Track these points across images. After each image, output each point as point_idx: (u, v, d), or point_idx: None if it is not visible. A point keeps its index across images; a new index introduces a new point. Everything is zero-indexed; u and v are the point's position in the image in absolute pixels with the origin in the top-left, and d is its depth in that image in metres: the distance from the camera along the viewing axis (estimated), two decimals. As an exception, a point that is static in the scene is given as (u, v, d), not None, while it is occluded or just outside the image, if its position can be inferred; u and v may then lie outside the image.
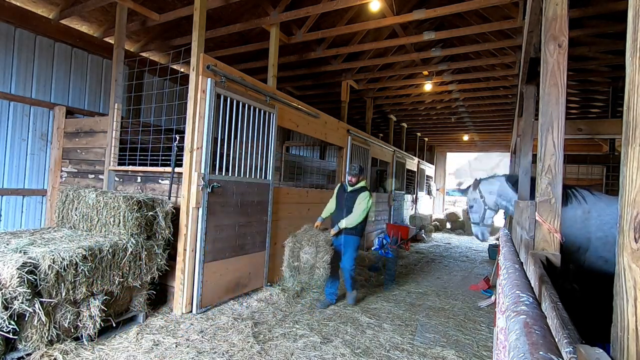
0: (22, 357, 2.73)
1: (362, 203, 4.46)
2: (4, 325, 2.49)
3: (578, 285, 2.56)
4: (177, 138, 4.19)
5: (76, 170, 5.39)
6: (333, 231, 4.47)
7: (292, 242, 4.35)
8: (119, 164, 4.94)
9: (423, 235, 11.40)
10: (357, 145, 8.01)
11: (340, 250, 4.54)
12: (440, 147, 20.15)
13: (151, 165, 4.71)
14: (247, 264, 4.66)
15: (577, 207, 2.86)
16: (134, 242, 3.42)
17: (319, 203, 6.45)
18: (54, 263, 2.77)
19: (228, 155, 4.42)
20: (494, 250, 8.19)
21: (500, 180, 3.73)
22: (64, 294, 2.86)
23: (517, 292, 1.08)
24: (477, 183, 3.94)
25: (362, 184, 4.65)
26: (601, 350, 0.79)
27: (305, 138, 10.70)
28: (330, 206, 4.85)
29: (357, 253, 4.66)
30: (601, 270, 2.75)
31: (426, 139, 17.01)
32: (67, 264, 2.85)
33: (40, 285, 2.71)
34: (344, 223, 4.45)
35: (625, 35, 0.80)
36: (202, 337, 3.40)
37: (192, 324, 3.67)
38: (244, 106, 4.54)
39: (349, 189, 4.61)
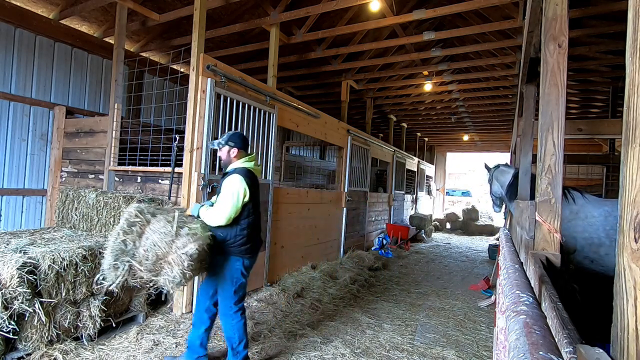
0: (22, 357, 2.73)
1: (223, 195, 2.63)
2: (4, 325, 2.49)
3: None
4: (177, 138, 4.19)
5: (76, 170, 5.39)
6: (188, 211, 2.92)
7: (137, 210, 2.49)
8: (119, 164, 4.93)
9: (423, 235, 11.40)
10: (357, 145, 8.01)
11: (216, 272, 2.74)
12: (440, 147, 20.15)
13: (151, 165, 4.71)
14: (247, 264, 4.66)
15: (565, 207, 2.89)
16: (134, 242, 3.42)
17: (319, 203, 6.45)
18: (54, 263, 2.77)
19: (228, 155, 4.41)
20: (494, 250, 8.19)
21: (511, 173, 3.83)
22: (64, 294, 2.86)
23: (517, 292, 1.08)
24: (491, 169, 4.22)
25: (239, 163, 2.79)
26: (601, 350, 0.79)
27: (305, 138, 10.70)
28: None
29: (236, 286, 2.71)
30: (588, 270, 2.80)
31: (426, 139, 17.01)
32: (67, 264, 2.85)
33: (40, 285, 2.71)
34: (202, 212, 2.69)
35: (625, 35, 0.80)
36: (202, 337, 3.40)
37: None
38: (244, 106, 4.54)
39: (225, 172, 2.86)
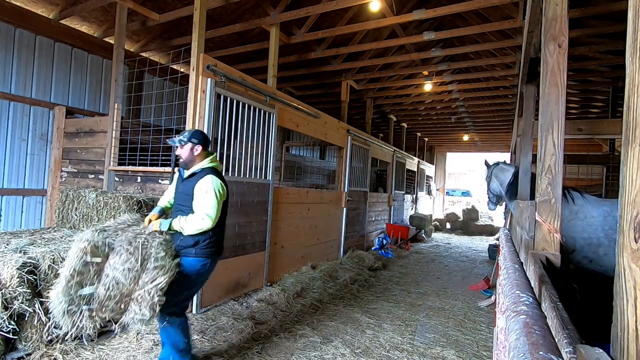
0: (22, 357, 2.73)
1: (205, 198, 2.50)
2: (4, 325, 2.49)
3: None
4: (177, 138, 4.18)
5: (76, 170, 5.39)
6: (151, 226, 2.55)
7: (91, 241, 2.20)
8: (119, 164, 4.93)
9: (423, 235, 11.40)
10: (357, 145, 8.01)
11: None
12: (440, 147, 20.15)
13: (151, 165, 4.71)
14: (247, 264, 4.66)
15: (564, 207, 2.89)
16: (134, 242, 3.42)
17: (319, 203, 6.46)
18: (53, 263, 2.77)
19: (228, 155, 4.41)
20: (494, 250, 8.19)
21: (511, 172, 3.81)
22: (64, 294, 2.86)
23: (517, 292, 1.08)
24: (491, 166, 4.21)
25: (204, 163, 2.65)
26: (601, 350, 0.79)
27: (305, 138, 10.70)
28: (168, 194, 2.92)
29: (190, 292, 2.64)
30: (587, 270, 2.82)
31: (426, 139, 17.01)
32: (67, 264, 2.85)
33: (40, 285, 2.71)
34: (177, 223, 2.51)
35: (625, 35, 0.80)
36: (202, 337, 3.40)
37: (192, 324, 3.66)
38: (244, 106, 4.54)
39: (185, 174, 2.70)
